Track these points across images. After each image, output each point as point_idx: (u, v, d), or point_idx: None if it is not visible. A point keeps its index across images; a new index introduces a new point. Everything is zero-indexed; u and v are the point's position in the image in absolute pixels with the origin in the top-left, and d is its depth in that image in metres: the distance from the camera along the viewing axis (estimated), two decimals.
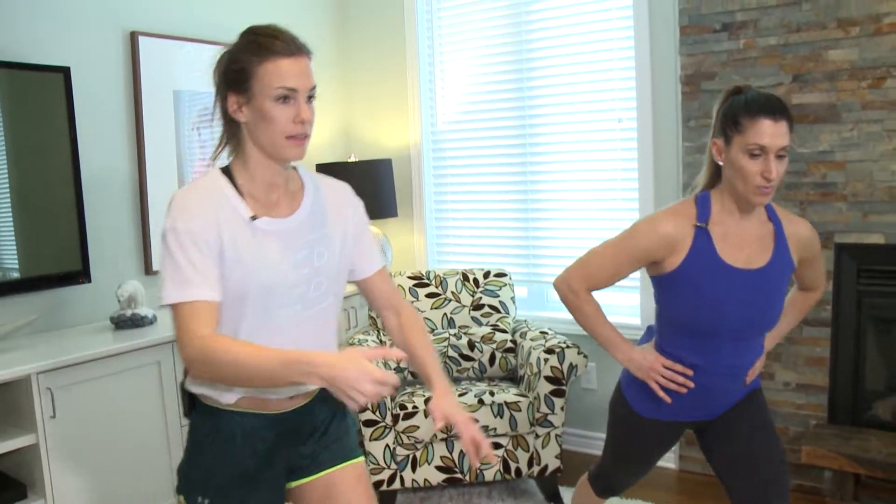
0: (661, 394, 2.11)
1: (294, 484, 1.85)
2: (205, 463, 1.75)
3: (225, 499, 1.73)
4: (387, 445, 3.15)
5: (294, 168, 1.81)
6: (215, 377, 1.57)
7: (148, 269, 3.56)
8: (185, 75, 3.69)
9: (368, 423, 3.12)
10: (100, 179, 3.38)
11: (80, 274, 3.20)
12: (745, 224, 2.02)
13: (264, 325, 1.68)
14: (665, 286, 2.07)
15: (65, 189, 3.16)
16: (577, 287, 2.14)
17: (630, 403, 2.24)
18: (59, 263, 3.14)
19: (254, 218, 1.66)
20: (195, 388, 1.76)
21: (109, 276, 3.39)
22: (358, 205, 1.90)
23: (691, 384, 2.08)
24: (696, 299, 2.01)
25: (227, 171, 1.71)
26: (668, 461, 3.73)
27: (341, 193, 1.87)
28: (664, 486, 3.55)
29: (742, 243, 2.01)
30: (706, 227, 2.00)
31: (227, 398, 1.72)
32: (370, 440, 3.14)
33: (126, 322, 3.17)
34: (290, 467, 1.83)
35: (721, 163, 1.99)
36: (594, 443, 3.95)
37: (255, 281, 1.64)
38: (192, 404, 1.79)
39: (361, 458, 1.90)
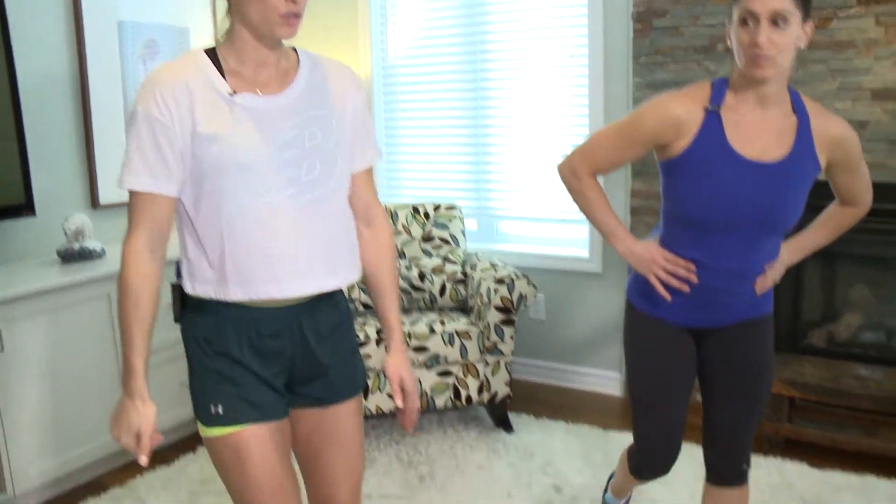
0: (662, 290, 1.97)
1: (291, 409, 1.78)
2: (206, 368, 1.63)
3: (234, 399, 1.61)
4: None
5: (293, 48, 1.71)
6: None
7: (95, 202, 3.51)
8: (129, 6, 3.59)
9: None
10: (42, 113, 3.30)
11: (23, 207, 3.14)
12: (762, 114, 1.86)
13: (255, 208, 1.56)
14: (670, 172, 1.93)
15: (5, 121, 3.07)
16: (579, 169, 1.99)
17: (633, 304, 2.12)
18: (1, 196, 3.07)
19: (233, 94, 1.56)
20: (198, 288, 1.62)
21: (55, 208, 3.34)
22: (361, 89, 1.75)
23: (694, 279, 1.94)
24: (701, 187, 1.87)
25: (211, 50, 1.61)
26: (613, 388, 3.87)
27: (343, 74, 1.73)
28: (609, 412, 3.68)
29: (756, 134, 1.85)
30: (718, 110, 1.85)
31: (234, 293, 1.59)
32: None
33: (74, 255, 3.14)
34: (291, 381, 1.72)
35: (730, 44, 1.84)
36: (542, 371, 4.06)
37: (233, 159, 1.54)
38: (184, 306, 1.67)
39: (361, 391, 1.83)
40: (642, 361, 2.12)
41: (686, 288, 1.96)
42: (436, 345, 3.24)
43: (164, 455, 3.28)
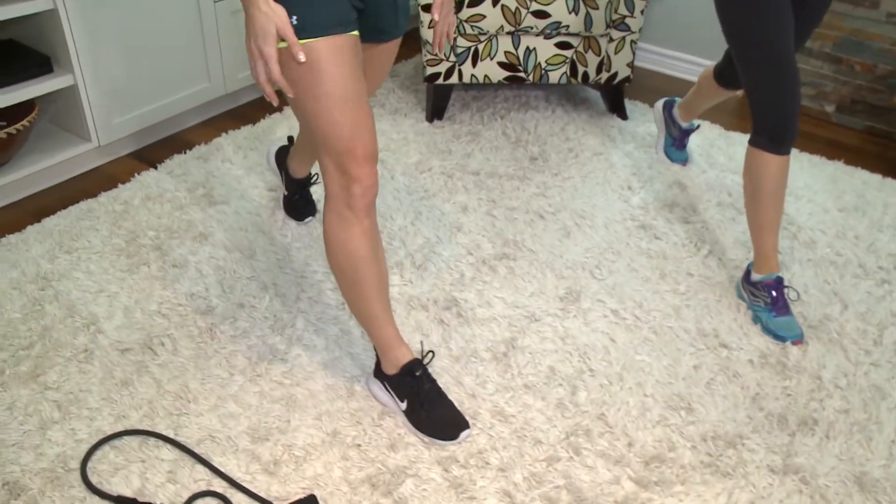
0: None
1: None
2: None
3: (310, 9, 1.49)
4: None
5: None
6: None
7: None
8: None
9: (428, 8, 2.76)
10: None
11: None
12: None
13: None
14: None
15: None
16: None
17: None
18: None
19: None
20: None
21: None
22: None
23: None
24: None
25: None
26: None
27: None
28: (731, 111, 3.30)
29: None
30: None
31: None
32: (428, 27, 2.81)
33: None
34: (361, 14, 1.72)
35: None
36: (668, 62, 3.62)
37: None
38: None
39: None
40: (752, 19, 1.91)
41: None
42: (559, 10, 2.79)
43: (250, 115, 3.05)
